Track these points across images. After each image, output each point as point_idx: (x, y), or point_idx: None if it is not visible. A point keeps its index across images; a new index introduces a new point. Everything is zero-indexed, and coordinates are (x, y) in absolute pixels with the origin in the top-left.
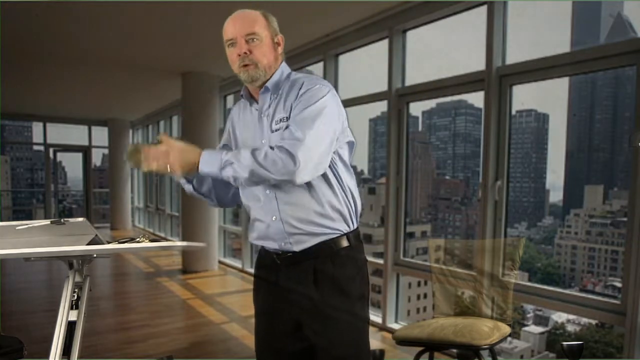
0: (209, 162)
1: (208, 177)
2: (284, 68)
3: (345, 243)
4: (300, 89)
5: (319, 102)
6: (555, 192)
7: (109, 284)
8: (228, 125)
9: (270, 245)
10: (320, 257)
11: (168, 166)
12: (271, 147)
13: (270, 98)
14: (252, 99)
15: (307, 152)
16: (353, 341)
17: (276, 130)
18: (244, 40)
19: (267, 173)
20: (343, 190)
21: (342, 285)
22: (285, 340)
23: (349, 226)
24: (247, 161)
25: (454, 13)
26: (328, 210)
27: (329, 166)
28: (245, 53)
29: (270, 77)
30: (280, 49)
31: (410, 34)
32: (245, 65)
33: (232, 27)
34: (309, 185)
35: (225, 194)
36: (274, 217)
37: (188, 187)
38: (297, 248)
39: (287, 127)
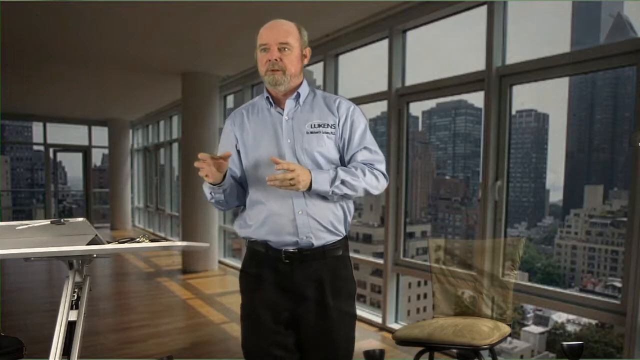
0: (320, 182)
1: (235, 189)
2: (306, 81)
3: (342, 246)
4: (340, 105)
5: (367, 123)
6: (555, 192)
7: (109, 284)
8: (230, 131)
9: (287, 239)
10: (328, 257)
11: (298, 185)
12: (364, 164)
13: (297, 104)
14: (274, 102)
15: (384, 169)
16: (347, 336)
17: (312, 133)
18: (276, 47)
19: (373, 190)
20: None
21: (343, 284)
22: (282, 335)
23: (345, 231)
24: (357, 182)
25: (454, 13)
26: (340, 213)
27: None
28: (276, 60)
29: (299, 85)
30: (306, 61)
31: (410, 34)
32: (274, 70)
33: (268, 33)
34: None
35: (234, 199)
36: (300, 211)
37: (220, 197)
38: (316, 243)
39: (362, 148)
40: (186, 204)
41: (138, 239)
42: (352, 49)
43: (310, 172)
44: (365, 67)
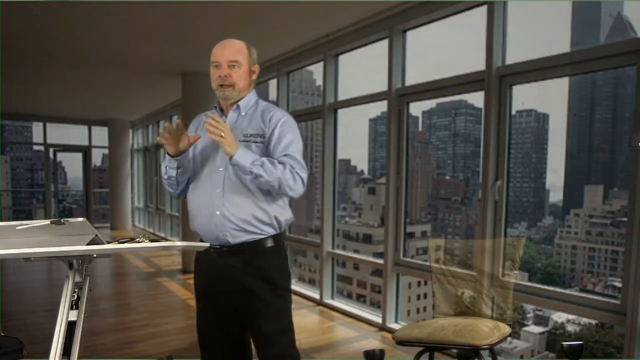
0: (244, 155)
1: (189, 171)
2: (253, 95)
3: (270, 243)
4: (272, 116)
5: (297, 135)
6: (555, 192)
7: (109, 284)
8: (191, 130)
9: (209, 235)
10: (249, 252)
11: (223, 140)
12: (285, 165)
13: (239, 115)
14: (222, 112)
15: (306, 180)
16: (279, 318)
17: (243, 142)
18: (226, 64)
19: (287, 187)
20: (276, 201)
21: (267, 274)
22: (224, 326)
23: (276, 230)
24: (276, 173)
25: (454, 13)
26: (263, 215)
27: None
28: (225, 76)
29: (241, 99)
30: (254, 77)
31: (410, 34)
32: (223, 86)
33: (220, 52)
34: (254, 195)
35: (184, 184)
36: (218, 211)
37: (172, 172)
38: (232, 241)
39: (284, 155)
40: (186, 204)
41: (138, 239)
42: (352, 49)
43: (238, 145)
44: (365, 67)
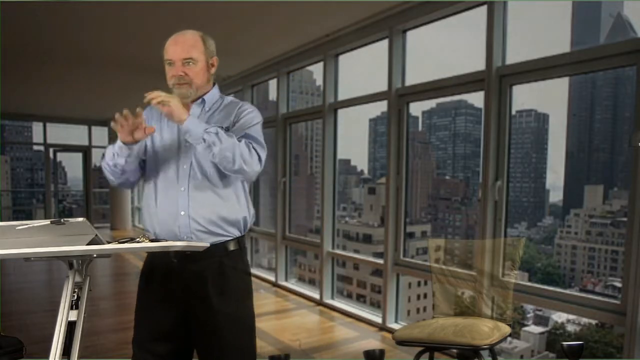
0: (195, 122)
1: (137, 161)
2: (217, 89)
3: (233, 246)
4: (240, 107)
5: (260, 124)
6: (555, 192)
7: (109, 284)
8: (145, 120)
9: (169, 237)
10: (215, 256)
11: (172, 106)
12: (241, 139)
13: (202, 110)
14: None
15: (264, 159)
16: (245, 331)
17: None
18: (181, 62)
19: (240, 159)
20: (246, 200)
21: (231, 282)
22: (170, 332)
23: (240, 232)
24: (231, 140)
25: (454, 13)
26: (230, 215)
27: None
28: (181, 75)
29: (205, 93)
30: (213, 70)
31: (410, 34)
32: (179, 84)
33: (172, 49)
34: (220, 190)
35: (131, 174)
36: (183, 212)
37: (120, 160)
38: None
39: (244, 134)
40: None
41: (138, 239)
42: (352, 49)
43: (188, 113)
44: (365, 67)
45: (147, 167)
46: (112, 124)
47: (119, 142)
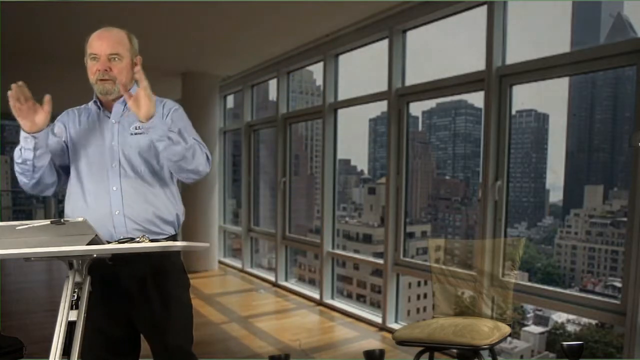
0: (161, 120)
1: (48, 155)
2: (136, 86)
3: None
4: (165, 104)
5: (190, 123)
6: (555, 192)
7: None
8: (61, 122)
9: (105, 238)
10: (153, 255)
11: (148, 97)
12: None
13: (125, 109)
14: (103, 107)
15: (210, 159)
16: (185, 325)
17: (136, 134)
18: (106, 57)
19: (197, 160)
20: (178, 198)
21: (170, 280)
22: (115, 336)
23: (175, 230)
24: (192, 140)
25: (454, 13)
26: (165, 213)
27: (172, 176)
28: (105, 70)
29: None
30: (136, 68)
31: (410, 34)
32: (103, 80)
33: (97, 44)
34: (153, 189)
35: (45, 173)
36: (117, 211)
37: (28, 154)
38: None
39: (179, 132)
40: (186, 204)
41: (138, 239)
42: (352, 49)
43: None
44: (365, 67)
45: (71, 167)
46: (12, 104)
47: (22, 134)
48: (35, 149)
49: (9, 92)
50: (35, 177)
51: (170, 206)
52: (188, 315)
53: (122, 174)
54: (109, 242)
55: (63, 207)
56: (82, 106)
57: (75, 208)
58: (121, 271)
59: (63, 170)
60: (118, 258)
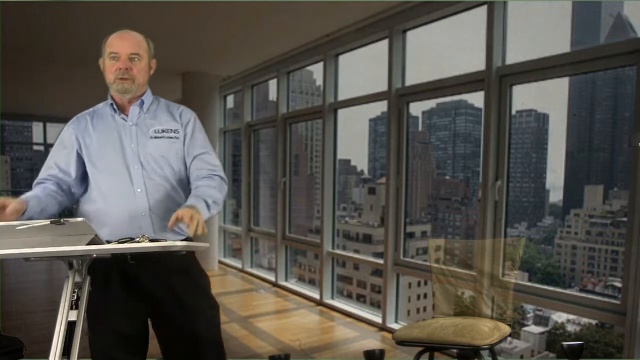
0: (204, 212)
1: (54, 200)
2: (150, 91)
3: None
4: (182, 112)
5: (206, 135)
6: (555, 192)
7: None
8: (72, 134)
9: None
10: (175, 255)
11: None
12: (210, 175)
13: (140, 111)
14: (119, 110)
15: (224, 176)
16: (213, 324)
17: (156, 138)
18: (127, 57)
19: (223, 194)
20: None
21: (193, 279)
22: (131, 336)
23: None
24: (218, 192)
25: (454, 13)
26: None
27: (188, 179)
28: (126, 69)
29: (143, 93)
30: (151, 72)
31: (410, 34)
32: (123, 79)
33: (119, 43)
34: (174, 190)
35: (53, 208)
36: (144, 212)
37: (34, 214)
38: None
39: (205, 152)
40: None
41: (138, 239)
42: (352, 49)
43: (197, 207)
44: (365, 67)
45: (89, 171)
46: None
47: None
48: (30, 217)
49: None
50: (64, 204)
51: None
52: (216, 312)
53: (144, 176)
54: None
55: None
56: (92, 109)
57: (97, 211)
58: (143, 270)
59: (84, 174)
60: (139, 257)
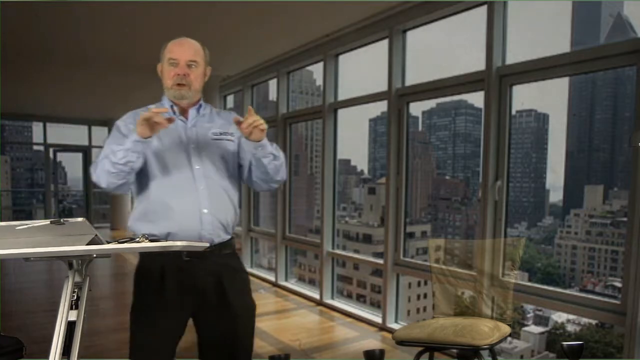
0: (267, 140)
1: (142, 158)
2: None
3: (233, 243)
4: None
5: None
6: (555, 192)
7: (109, 284)
8: (130, 129)
9: (190, 235)
10: (223, 253)
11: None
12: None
13: (197, 115)
14: (179, 112)
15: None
16: (251, 325)
17: (216, 140)
18: (185, 63)
19: (284, 170)
20: (239, 200)
21: (239, 276)
22: (175, 332)
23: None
24: (282, 157)
25: (454, 13)
26: (233, 217)
27: (240, 180)
28: (184, 75)
29: (199, 99)
30: (206, 79)
31: (410, 34)
32: (180, 85)
33: (178, 49)
34: (229, 191)
35: (133, 175)
36: (206, 210)
37: (132, 157)
38: (217, 240)
39: (276, 148)
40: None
41: (138, 239)
42: (352, 49)
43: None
44: (365, 67)
45: (150, 170)
46: (148, 114)
47: (133, 138)
48: (140, 153)
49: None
50: (127, 178)
51: (236, 208)
52: (253, 313)
53: (205, 175)
54: (196, 238)
55: (63, 207)
56: (145, 108)
57: (160, 209)
58: (197, 265)
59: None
60: (193, 254)
